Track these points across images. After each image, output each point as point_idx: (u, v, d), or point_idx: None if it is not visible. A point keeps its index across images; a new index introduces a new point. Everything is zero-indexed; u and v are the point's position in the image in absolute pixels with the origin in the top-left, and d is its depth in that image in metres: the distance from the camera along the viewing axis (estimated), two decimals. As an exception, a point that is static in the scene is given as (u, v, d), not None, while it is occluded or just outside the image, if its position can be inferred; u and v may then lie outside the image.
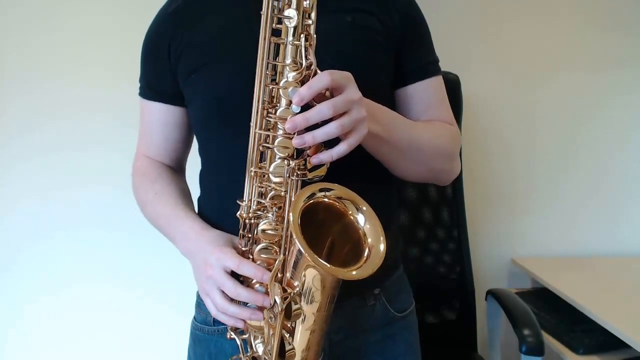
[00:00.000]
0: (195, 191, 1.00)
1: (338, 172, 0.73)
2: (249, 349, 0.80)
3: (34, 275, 1.65)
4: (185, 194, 0.97)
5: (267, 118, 0.74)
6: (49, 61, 1.57)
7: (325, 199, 0.72)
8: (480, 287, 1.66)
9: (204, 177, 0.96)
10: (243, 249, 0.79)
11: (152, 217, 0.95)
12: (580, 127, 1.83)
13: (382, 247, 0.71)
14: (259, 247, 0.76)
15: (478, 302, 1.59)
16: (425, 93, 0.93)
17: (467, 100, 1.57)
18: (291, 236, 0.71)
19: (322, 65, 0.71)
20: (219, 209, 0.90)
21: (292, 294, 0.70)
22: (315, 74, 0.70)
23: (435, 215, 1.58)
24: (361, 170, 0.81)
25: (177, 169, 1.02)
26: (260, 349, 0.78)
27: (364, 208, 0.73)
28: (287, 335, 0.73)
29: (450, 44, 1.71)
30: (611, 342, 1.38)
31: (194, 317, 0.97)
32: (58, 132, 1.59)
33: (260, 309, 0.75)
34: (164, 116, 0.96)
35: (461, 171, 1.57)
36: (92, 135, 1.60)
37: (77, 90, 1.58)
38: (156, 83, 0.94)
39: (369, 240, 0.71)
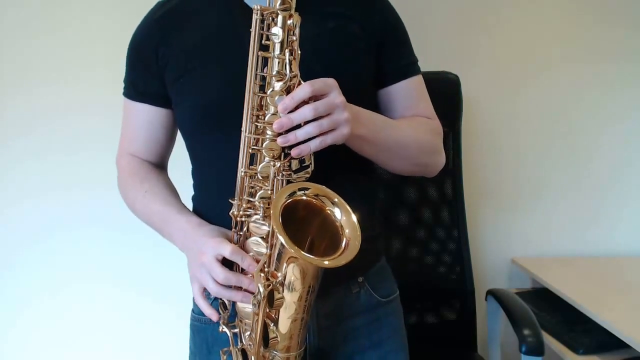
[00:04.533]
0: (185, 189, 1.02)
1: (320, 167, 0.79)
2: (239, 343, 0.85)
3: (34, 275, 1.65)
4: (174, 191, 1.00)
5: (256, 123, 0.80)
6: (48, 62, 1.57)
7: (304, 197, 0.78)
8: (480, 287, 1.66)
9: (196, 177, 0.99)
10: (236, 244, 0.83)
11: (144, 215, 0.98)
12: (581, 127, 1.83)
13: (358, 237, 0.76)
14: (249, 240, 0.81)
15: (478, 302, 1.59)
16: (406, 92, 0.99)
17: (467, 100, 1.57)
18: (273, 230, 0.76)
19: (309, 72, 0.77)
20: (211, 209, 0.93)
21: (274, 283, 0.75)
22: (299, 84, 0.76)
23: (435, 215, 1.58)
24: (342, 166, 0.87)
25: (160, 166, 1.05)
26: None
27: (336, 200, 0.78)
28: (271, 325, 0.77)
29: (450, 43, 1.71)
30: (611, 342, 1.38)
31: (192, 310, 1.00)
32: (58, 132, 1.59)
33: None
34: (149, 117, 0.98)
35: (461, 171, 1.58)
36: (92, 136, 1.60)
37: (76, 92, 1.58)
38: (143, 85, 0.96)
39: (346, 231, 0.76)
